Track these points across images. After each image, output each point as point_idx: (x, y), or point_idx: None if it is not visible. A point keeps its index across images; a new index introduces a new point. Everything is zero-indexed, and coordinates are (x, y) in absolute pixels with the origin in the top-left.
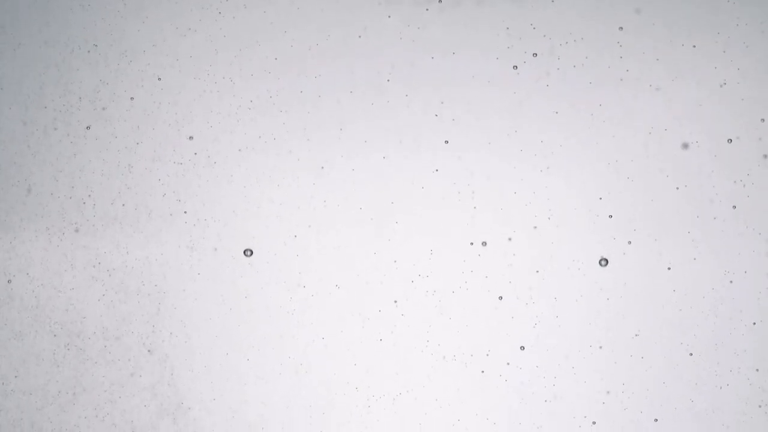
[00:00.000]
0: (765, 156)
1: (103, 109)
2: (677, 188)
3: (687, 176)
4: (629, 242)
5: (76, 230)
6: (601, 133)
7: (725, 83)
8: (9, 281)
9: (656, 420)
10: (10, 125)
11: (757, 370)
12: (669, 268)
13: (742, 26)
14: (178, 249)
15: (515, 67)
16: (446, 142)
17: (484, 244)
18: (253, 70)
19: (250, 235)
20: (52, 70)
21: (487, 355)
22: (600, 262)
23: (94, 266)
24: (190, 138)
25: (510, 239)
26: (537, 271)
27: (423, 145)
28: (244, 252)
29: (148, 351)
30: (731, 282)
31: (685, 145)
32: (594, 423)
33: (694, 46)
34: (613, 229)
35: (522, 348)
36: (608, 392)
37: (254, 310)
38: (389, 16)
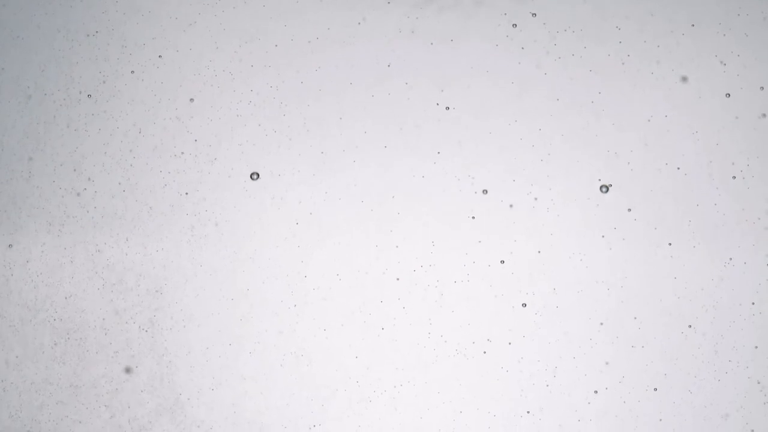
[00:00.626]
0: (764, 115)
1: (105, 102)
2: (677, 174)
3: (686, 163)
4: (630, 224)
5: (76, 223)
6: (601, 121)
7: (725, 71)
8: (8, 274)
9: (656, 389)
10: (10, 118)
11: (756, 347)
12: (670, 244)
13: (743, 15)
14: (179, 242)
15: (515, 54)
16: (446, 130)
17: (485, 233)
18: (254, 62)
19: (251, 228)
20: (53, 63)
21: (489, 340)
22: (601, 189)
23: (93, 260)
24: (190, 131)
25: (511, 228)
26: (539, 253)
27: (423, 134)
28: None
29: (148, 345)
30: (731, 259)
31: (685, 133)
32: (596, 391)
33: (693, 25)
34: (614, 216)
35: (523, 336)
36: (607, 363)
37: (255, 303)
38: (388, 2)
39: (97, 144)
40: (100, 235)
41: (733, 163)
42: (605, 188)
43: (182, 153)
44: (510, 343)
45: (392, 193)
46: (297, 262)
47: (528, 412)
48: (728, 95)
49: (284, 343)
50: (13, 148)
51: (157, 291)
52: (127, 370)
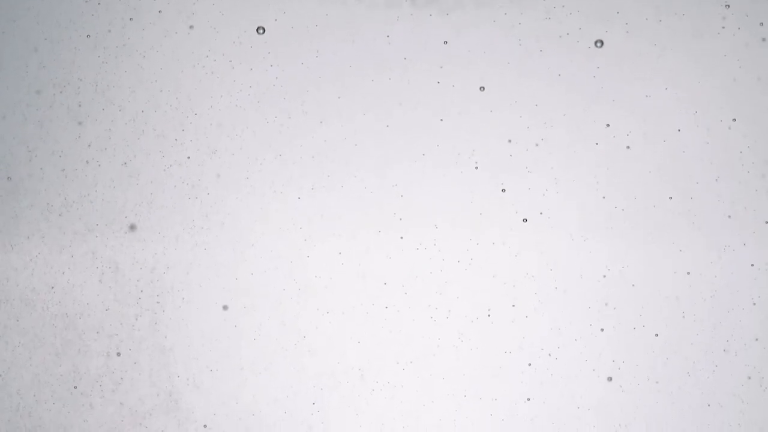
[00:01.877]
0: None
1: (105, 89)
2: (678, 153)
3: (687, 141)
4: (630, 204)
5: (76, 212)
6: (600, 99)
7: (726, 54)
8: (6, 263)
9: (657, 335)
10: (9, 109)
11: (754, 304)
12: (670, 198)
13: None
14: (180, 230)
15: (514, 31)
16: (447, 109)
17: (487, 216)
18: (253, 44)
19: (252, 215)
20: (52, 50)
21: (491, 322)
22: (596, 44)
23: (93, 253)
24: (191, 123)
25: (512, 209)
26: (540, 236)
27: (423, 113)
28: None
29: (149, 334)
30: (729, 217)
31: (686, 111)
32: (595, 372)
33: None
34: (614, 196)
35: (526, 316)
36: (608, 347)
37: (257, 292)
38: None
39: (96, 136)
40: (100, 228)
41: (734, 145)
42: (600, 43)
43: (183, 143)
44: (513, 325)
45: (394, 177)
46: (299, 249)
47: (529, 399)
48: (730, 76)
49: (286, 330)
50: (12, 141)
51: (157, 280)
52: (127, 360)
